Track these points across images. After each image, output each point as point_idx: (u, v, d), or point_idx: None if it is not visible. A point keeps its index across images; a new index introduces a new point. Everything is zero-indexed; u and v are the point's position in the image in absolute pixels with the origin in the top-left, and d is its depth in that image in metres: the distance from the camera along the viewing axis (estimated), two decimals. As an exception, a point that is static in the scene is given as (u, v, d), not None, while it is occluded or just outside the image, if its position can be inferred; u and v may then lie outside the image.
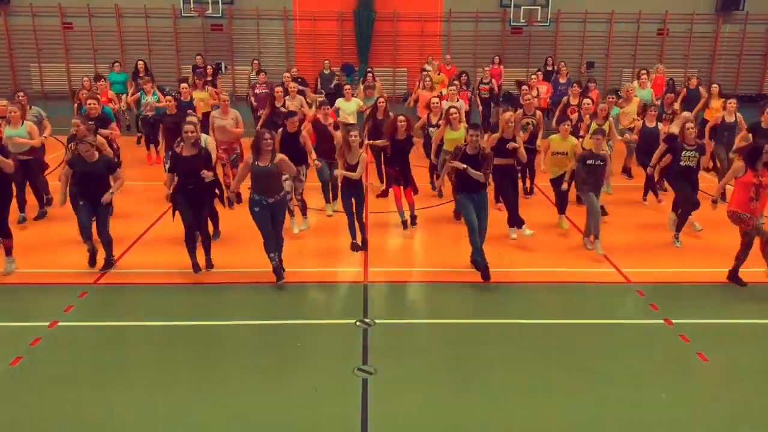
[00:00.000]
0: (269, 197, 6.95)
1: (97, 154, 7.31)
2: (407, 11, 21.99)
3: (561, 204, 8.99)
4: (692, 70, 22.68)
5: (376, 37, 22.06)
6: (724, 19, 22.64)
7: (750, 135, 9.42)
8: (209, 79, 14.67)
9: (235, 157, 9.80)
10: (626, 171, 11.87)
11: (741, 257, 7.14)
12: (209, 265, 7.45)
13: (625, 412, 5.07)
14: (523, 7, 21.64)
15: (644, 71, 13.46)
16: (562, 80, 14.89)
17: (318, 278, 7.47)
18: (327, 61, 16.97)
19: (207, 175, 7.12)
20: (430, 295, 7.25)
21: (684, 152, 8.39)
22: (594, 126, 9.66)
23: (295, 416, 4.97)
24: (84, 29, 21.91)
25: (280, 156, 7.03)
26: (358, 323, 6.33)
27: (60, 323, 6.26)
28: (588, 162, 8.13)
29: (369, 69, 16.40)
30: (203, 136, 8.21)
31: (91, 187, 7.22)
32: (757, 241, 7.01)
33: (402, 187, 8.79)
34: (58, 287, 7.03)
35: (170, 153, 7.65)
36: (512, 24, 22.04)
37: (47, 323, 6.22)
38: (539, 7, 21.72)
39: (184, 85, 11.38)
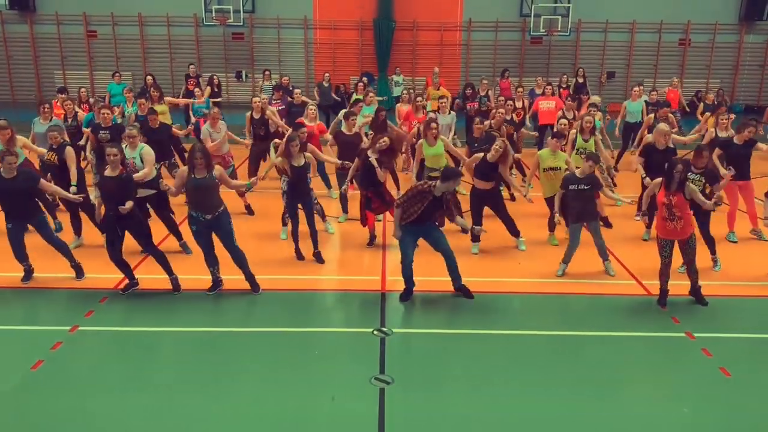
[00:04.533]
0: (206, 213, 6.70)
1: (16, 170, 6.84)
2: (427, 20, 22.08)
3: (551, 222, 8.49)
4: (714, 80, 22.51)
5: (395, 46, 22.17)
6: (747, 29, 22.43)
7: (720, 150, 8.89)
8: (211, 90, 14.74)
9: (230, 170, 9.62)
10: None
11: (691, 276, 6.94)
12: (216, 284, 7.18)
13: (646, 426, 4.99)
14: (543, 17, 21.61)
15: (639, 85, 13.23)
16: (538, 90, 14.31)
17: (336, 286, 7.48)
18: (327, 74, 16.88)
19: (123, 209, 6.68)
20: (447, 304, 7.20)
21: (690, 175, 7.27)
22: (579, 142, 9.22)
23: (312, 425, 4.96)
24: (107, 37, 22.29)
25: (218, 168, 6.85)
26: (375, 332, 6.32)
27: (81, 328, 6.32)
28: (571, 187, 7.49)
29: (362, 78, 15.93)
30: (142, 146, 8.14)
31: (14, 204, 6.87)
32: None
33: (373, 211, 8.34)
34: (79, 292, 7.10)
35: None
36: (532, 34, 22.02)
37: (68, 328, 6.29)
38: (560, 17, 21.68)
39: (141, 100, 11.28)
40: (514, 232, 8.39)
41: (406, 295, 7.02)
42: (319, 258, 7.97)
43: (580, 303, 7.10)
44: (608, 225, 9.29)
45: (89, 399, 5.24)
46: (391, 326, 6.45)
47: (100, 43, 22.45)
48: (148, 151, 8.13)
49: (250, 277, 7.07)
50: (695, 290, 6.99)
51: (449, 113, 11.35)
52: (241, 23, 21.71)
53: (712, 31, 22.22)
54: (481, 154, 8.10)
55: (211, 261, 7.02)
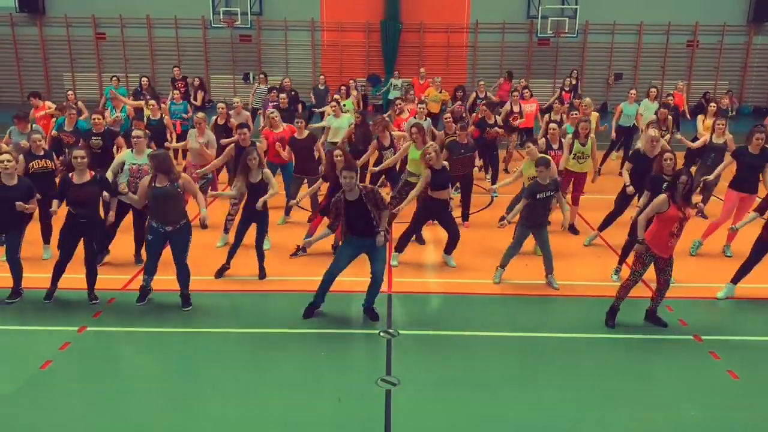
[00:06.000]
0: (167, 225, 6.45)
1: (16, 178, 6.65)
2: (434, 22, 22.07)
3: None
4: (722, 82, 22.40)
5: (402, 48, 22.17)
6: (756, 30, 22.31)
7: (734, 161, 8.38)
8: (203, 94, 14.51)
9: (204, 182, 8.90)
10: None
11: (657, 297, 6.53)
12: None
13: (654, 429, 4.98)
14: (550, 19, 21.58)
15: (633, 90, 12.97)
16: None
17: (341, 288, 7.47)
18: (322, 77, 16.24)
19: (108, 218, 6.61)
20: (453, 306, 7.20)
21: (665, 185, 6.75)
22: (577, 147, 9.02)
23: (318, 426, 4.97)
24: (116, 39, 22.40)
25: (185, 177, 6.61)
26: (381, 334, 6.32)
27: (89, 328, 6.36)
28: (539, 196, 7.20)
29: (345, 84, 15.27)
30: (149, 150, 7.69)
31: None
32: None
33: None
34: (87, 294, 7.13)
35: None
36: (539, 35, 21.98)
37: (76, 328, 6.32)
38: (567, 19, 21.64)
39: (152, 101, 11.04)
40: (451, 248, 7.99)
41: (310, 310, 6.60)
42: (262, 274, 7.59)
43: (587, 305, 7.07)
44: (575, 231, 9.21)
45: (96, 399, 5.28)
46: (397, 328, 6.45)
47: (109, 45, 22.56)
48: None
49: (185, 296, 6.80)
50: (653, 313, 6.60)
51: (425, 119, 10.98)
52: (249, 25, 21.77)
53: (721, 32, 22.12)
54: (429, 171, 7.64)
55: (153, 270, 6.77)
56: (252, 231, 7.49)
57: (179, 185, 6.45)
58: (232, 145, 8.85)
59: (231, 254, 7.54)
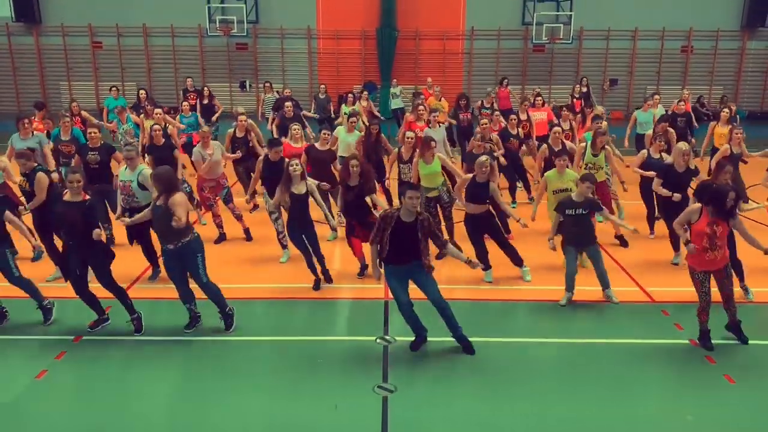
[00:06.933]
0: (167, 243, 6.13)
1: None
2: (429, 29, 22.18)
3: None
4: (717, 87, 22.52)
5: (398, 55, 22.25)
6: (750, 35, 22.44)
7: None
8: (206, 102, 14.21)
9: (225, 192, 8.97)
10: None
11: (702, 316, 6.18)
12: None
13: (649, 434, 4.99)
14: (545, 25, 21.69)
15: (656, 95, 12.89)
16: (487, 104, 13.89)
17: (338, 295, 7.49)
18: (323, 86, 16.00)
19: (96, 234, 6.03)
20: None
21: None
22: (588, 156, 8.81)
23: (314, 433, 4.97)
24: (113, 48, 22.45)
25: (179, 195, 6.18)
26: (378, 340, 6.33)
27: (84, 337, 6.35)
28: (567, 212, 6.98)
29: (351, 91, 15.11)
30: (142, 167, 7.57)
31: None
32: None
33: (359, 238, 7.67)
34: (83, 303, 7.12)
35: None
36: (534, 42, 22.09)
37: (72, 337, 6.32)
38: (561, 25, 21.77)
39: (158, 110, 10.95)
40: (517, 260, 7.75)
41: (417, 343, 6.18)
42: (327, 277, 7.68)
43: (584, 310, 7.08)
44: (624, 244, 8.88)
45: (92, 408, 5.27)
46: (394, 334, 6.45)
47: (106, 54, 22.62)
48: (149, 174, 7.20)
49: (227, 316, 6.50)
50: (735, 325, 6.29)
51: (439, 126, 10.80)
52: (245, 33, 21.85)
53: (715, 38, 22.24)
54: (470, 175, 7.57)
55: (185, 296, 6.41)
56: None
57: (167, 204, 6.03)
58: (262, 158, 8.43)
59: (311, 267, 7.46)
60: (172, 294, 6.56)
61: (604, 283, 7.20)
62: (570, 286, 7.12)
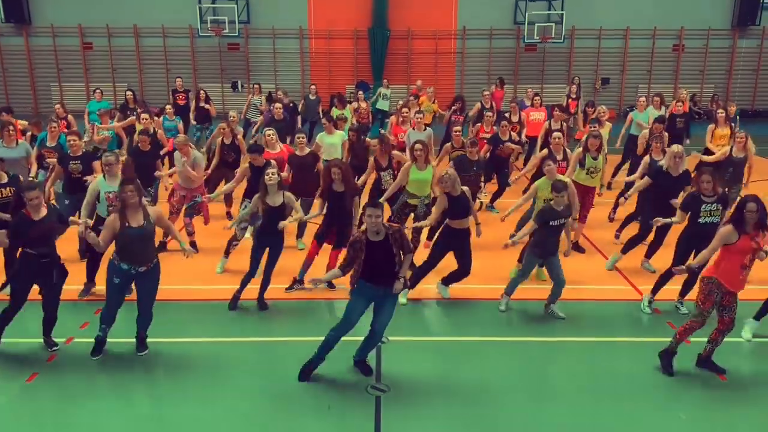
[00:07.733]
0: (140, 266, 5.72)
1: None
2: (421, 29, 22.19)
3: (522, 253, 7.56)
4: (708, 86, 22.64)
5: (390, 54, 22.26)
6: (740, 34, 22.56)
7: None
8: (202, 105, 13.86)
9: (191, 204, 8.54)
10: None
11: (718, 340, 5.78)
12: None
13: (643, 431, 4.99)
14: (537, 24, 21.74)
15: (657, 95, 12.58)
16: (527, 102, 13.34)
17: (330, 295, 7.46)
18: (313, 86, 15.76)
19: (91, 239, 5.74)
20: (444, 312, 7.20)
21: (703, 206, 6.62)
22: (589, 161, 8.44)
23: (307, 434, 4.95)
24: (103, 49, 22.35)
25: (156, 210, 5.95)
26: (371, 340, 6.30)
27: (76, 339, 6.31)
28: (551, 223, 6.63)
29: (340, 93, 14.88)
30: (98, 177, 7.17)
31: None
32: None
33: (333, 247, 7.36)
34: (74, 304, 7.05)
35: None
36: (526, 41, 22.13)
37: (63, 339, 6.27)
38: (553, 24, 21.81)
39: (145, 115, 10.69)
40: (455, 279, 7.27)
41: (308, 370, 5.63)
42: (262, 304, 7.02)
43: (576, 309, 7.08)
44: (581, 250, 8.72)
45: (84, 411, 5.23)
46: (387, 334, 6.42)
47: (96, 55, 22.51)
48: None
49: (142, 339, 6.13)
50: (709, 357, 5.84)
51: (425, 129, 10.51)
52: (237, 33, 21.79)
53: (706, 36, 22.35)
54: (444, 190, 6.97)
55: (111, 318, 5.99)
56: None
57: (153, 221, 5.78)
58: (247, 165, 8.04)
59: (245, 283, 6.94)
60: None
61: (555, 297, 6.84)
62: (511, 291, 7.01)
